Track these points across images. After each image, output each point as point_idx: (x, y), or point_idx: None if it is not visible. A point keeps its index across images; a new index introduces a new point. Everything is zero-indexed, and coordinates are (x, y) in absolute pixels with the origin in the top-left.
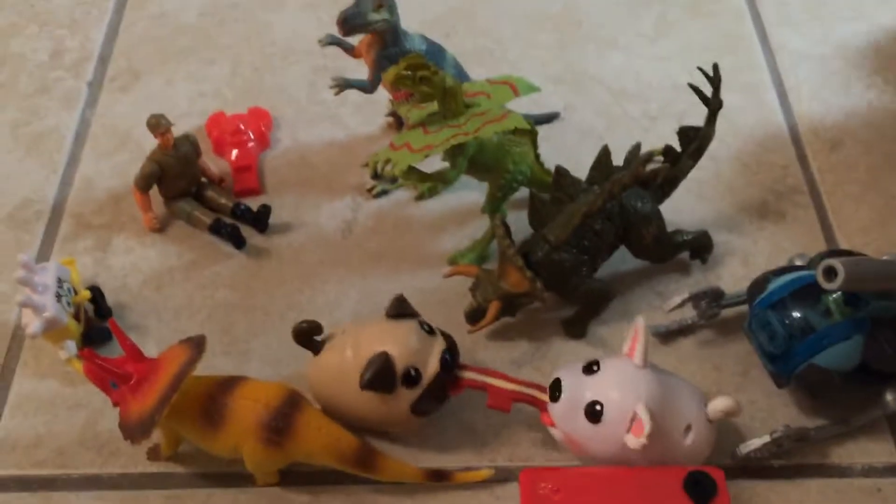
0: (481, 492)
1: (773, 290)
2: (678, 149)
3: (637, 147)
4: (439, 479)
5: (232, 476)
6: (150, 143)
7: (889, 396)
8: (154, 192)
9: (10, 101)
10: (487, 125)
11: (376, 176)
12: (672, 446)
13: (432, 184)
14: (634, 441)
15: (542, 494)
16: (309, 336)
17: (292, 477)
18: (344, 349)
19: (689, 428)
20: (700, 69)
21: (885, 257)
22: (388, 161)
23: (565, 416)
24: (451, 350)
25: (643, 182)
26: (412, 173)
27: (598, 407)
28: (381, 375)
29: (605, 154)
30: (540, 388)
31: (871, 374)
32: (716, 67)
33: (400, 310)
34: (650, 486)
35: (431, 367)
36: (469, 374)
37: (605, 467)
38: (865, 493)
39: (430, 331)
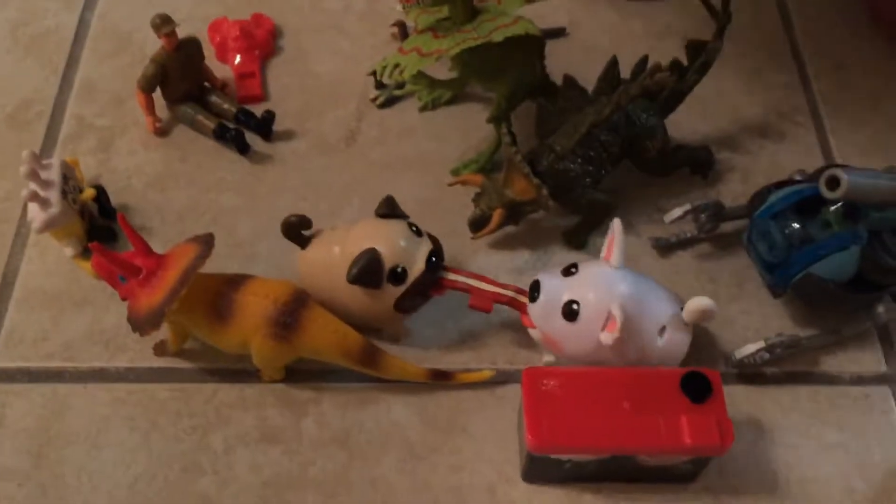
0: (482, 391)
1: (774, 202)
2: (685, 63)
3: (644, 60)
4: (442, 378)
5: (238, 372)
6: (152, 46)
7: (880, 308)
8: (157, 95)
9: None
10: (498, 30)
11: (381, 85)
12: (646, 346)
13: (437, 93)
14: (608, 337)
15: (544, 391)
16: (298, 230)
17: (297, 374)
18: (332, 245)
19: (663, 329)
20: None
21: (885, 170)
22: (397, 65)
23: (543, 315)
24: (437, 252)
25: (650, 94)
26: (421, 79)
27: (574, 306)
28: (369, 270)
29: (612, 65)
30: (520, 290)
31: (865, 285)
32: None
33: (389, 210)
34: (649, 385)
35: (417, 266)
36: (452, 276)
37: (605, 367)
38: (854, 399)
39: (418, 232)
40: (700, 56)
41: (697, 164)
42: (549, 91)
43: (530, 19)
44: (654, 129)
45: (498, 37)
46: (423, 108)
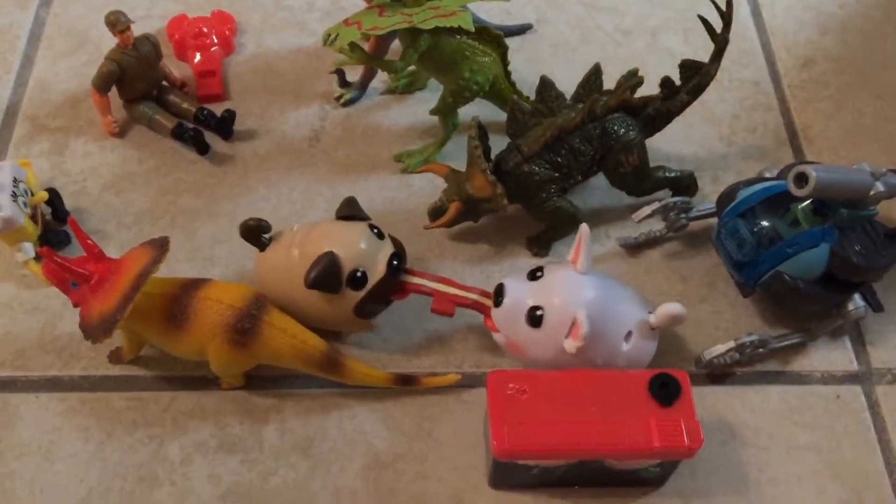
0: (449, 396)
1: (743, 199)
2: (678, 82)
3: (633, 73)
4: (406, 383)
5: (196, 379)
6: (108, 45)
7: (851, 306)
8: (114, 95)
9: None
10: (433, 19)
11: (345, 83)
12: (611, 352)
13: (406, 79)
14: (571, 345)
15: (510, 395)
16: (256, 233)
17: (258, 381)
18: (290, 247)
19: (629, 334)
20: (713, 1)
21: (854, 167)
22: (338, 35)
23: (507, 320)
24: (399, 255)
25: (631, 109)
26: (356, 52)
27: (538, 312)
28: (327, 275)
29: (594, 73)
30: (485, 293)
31: (835, 283)
32: (730, 3)
33: (350, 211)
34: (616, 388)
35: (378, 270)
36: (415, 280)
37: (571, 370)
38: (824, 399)
39: (380, 234)
40: (693, 78)
41: (679, 188)
42: (505, 95)
43: (471, 13)
44: (630, 145)
45: (428, 25)
46: (390, 91)
